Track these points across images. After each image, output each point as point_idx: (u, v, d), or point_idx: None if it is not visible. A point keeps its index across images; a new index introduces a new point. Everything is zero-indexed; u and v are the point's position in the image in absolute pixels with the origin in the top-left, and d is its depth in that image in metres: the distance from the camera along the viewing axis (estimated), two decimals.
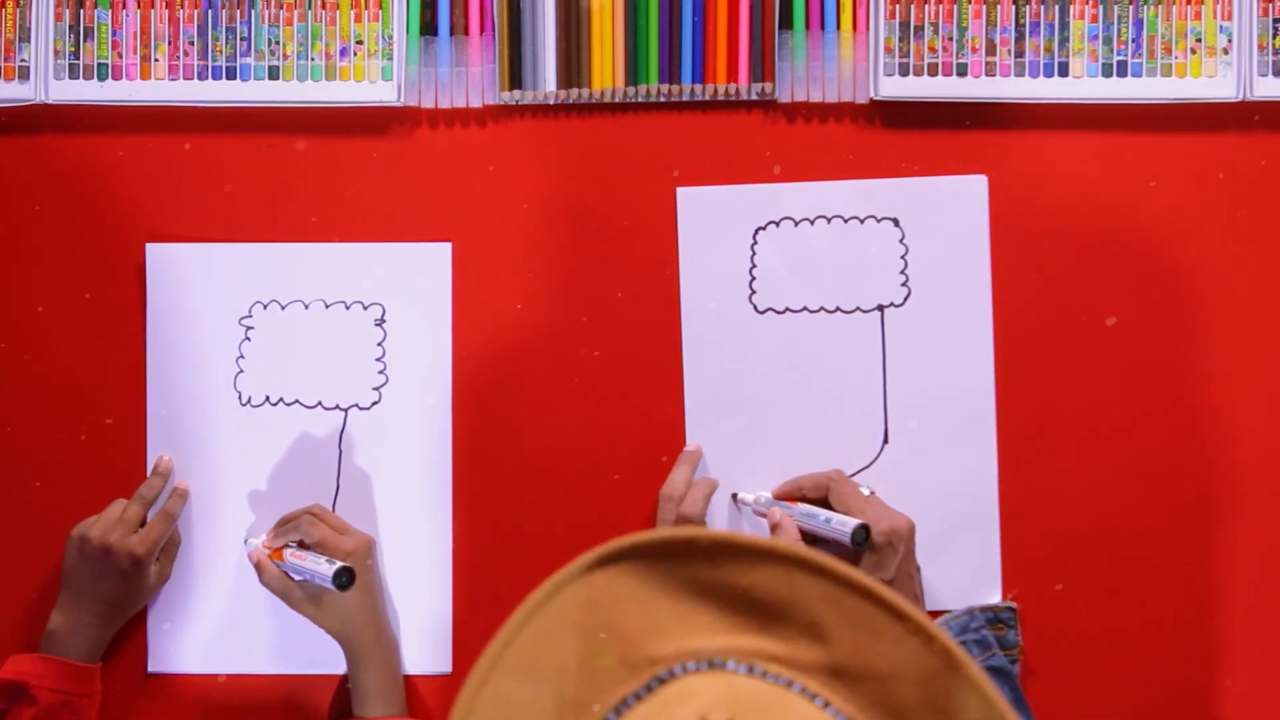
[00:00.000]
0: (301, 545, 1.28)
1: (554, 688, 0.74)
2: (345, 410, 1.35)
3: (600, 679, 0.75)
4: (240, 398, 1.35)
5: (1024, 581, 1.32)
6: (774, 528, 1.26)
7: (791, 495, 1.29)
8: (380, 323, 1.34)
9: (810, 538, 1.25)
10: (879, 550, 1.22)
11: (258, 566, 1.28)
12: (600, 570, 0.75)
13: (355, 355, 1.35)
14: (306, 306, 1.35)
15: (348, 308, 1.35)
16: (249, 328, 1.35)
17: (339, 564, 1.23)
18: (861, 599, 0.74)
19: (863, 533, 1.21)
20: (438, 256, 1.34)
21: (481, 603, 1.34)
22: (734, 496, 1.32)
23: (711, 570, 0.76)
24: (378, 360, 1.34)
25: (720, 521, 1.32)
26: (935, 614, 1.24)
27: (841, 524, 1.23)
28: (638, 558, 0.76)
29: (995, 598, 1.31)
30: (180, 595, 1.35)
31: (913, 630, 0.74)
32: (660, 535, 0.76)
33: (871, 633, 0.74)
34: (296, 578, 1.27)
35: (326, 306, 1.35)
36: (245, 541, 1.34)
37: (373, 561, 1.30)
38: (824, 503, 1.27)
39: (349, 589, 1.23)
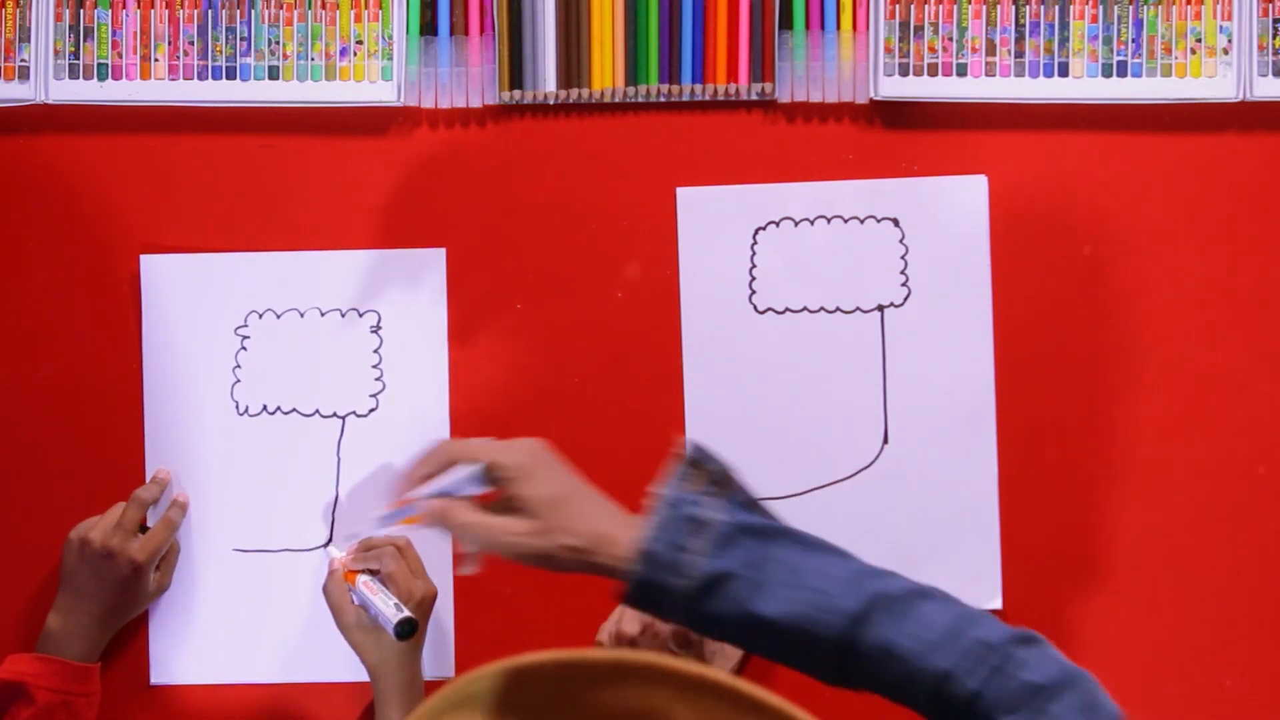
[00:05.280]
0: (373, 573, 1.27)
1: None
2: (343, 418, 1.35)
3: None
4: (238, 407, 1.35)
5: (1023, 582, 1.31)
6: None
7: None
8: (376, 329, 1.34)
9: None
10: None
11: (329, 575, 1.27)
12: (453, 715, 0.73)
13: (352, 363, 1.34)
14: (302, 315, 1.35)
15: (343, 315, 1.35)
16: (245, 337, 1.35)
17: (406, 614, 1.21)
18: (716, 696, 0.73)
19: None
20: (431, 262, 1.34)
21: (483, 607, 1.34)
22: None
23: (566, 698, 0.74)
24: (374, 367, 1.34)
25: None
26: None
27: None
28: (488, 699, 0.74)
29: (996, 599, 1.31)
30: (181, 606, 1.34)
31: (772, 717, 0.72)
32: (506, 665, 0.73)
33: None
34: (356, 602, 1.26)
35: (322, 314, 1.35)
36: (327, 543, 1.34)
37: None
38: None
39: (406, 640, 1.22)
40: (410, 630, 1.21)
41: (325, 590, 1.27)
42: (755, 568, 1.01)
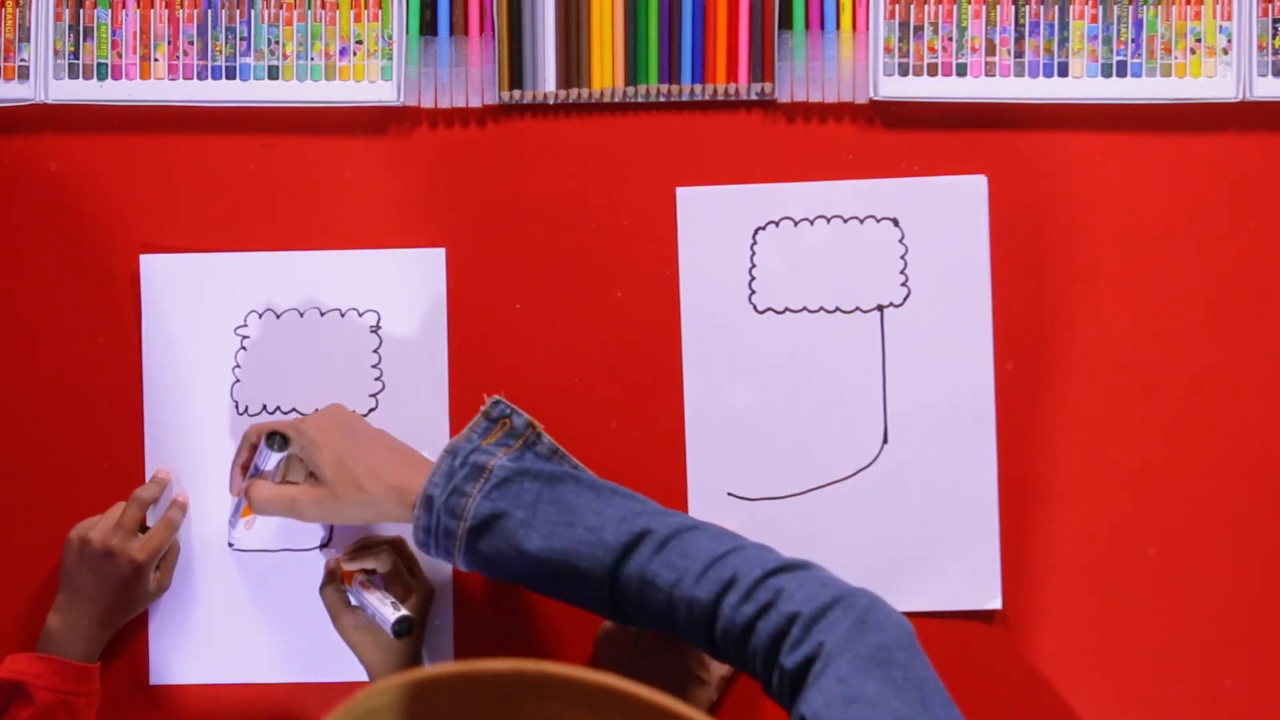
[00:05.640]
0: (370, 573, 1.27)
1: None
2: None
3: None
4: (237, 407, 1.35)
5: (1023, 582, 1.31)
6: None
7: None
8: (376, 329, 1.34)
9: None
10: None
11: (326, 576, 1.27)
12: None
13: (351, 362, 1.34)
14: (301, 315, 1.35)
15: (343, 315, 1.34)
16: (244, 337, 1.35)
17: (403, 612, 1.21)
18: (615, 704, 0.73)
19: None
20: (431, 262, 1.34)
21: (483, 605, 1.34)
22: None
23: (470, 709, 0.74)
24: (374, 367, 1.34)
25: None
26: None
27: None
28: (390, 713, 0.74)
29: (995, 599, 1.31)
30: (180, 606, 1.34)
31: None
32: (406, 679, 0.74)
33: None
34: (354, 602, 1.26)
35: (321, 314, 1.35)
36: (326, 543, 1.34)
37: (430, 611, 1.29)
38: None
39: (405, 638, 1.22)
40: (407, 629, 1.21)
41: (322, 592, 1.27)
42: (529, 508, 1.03)
